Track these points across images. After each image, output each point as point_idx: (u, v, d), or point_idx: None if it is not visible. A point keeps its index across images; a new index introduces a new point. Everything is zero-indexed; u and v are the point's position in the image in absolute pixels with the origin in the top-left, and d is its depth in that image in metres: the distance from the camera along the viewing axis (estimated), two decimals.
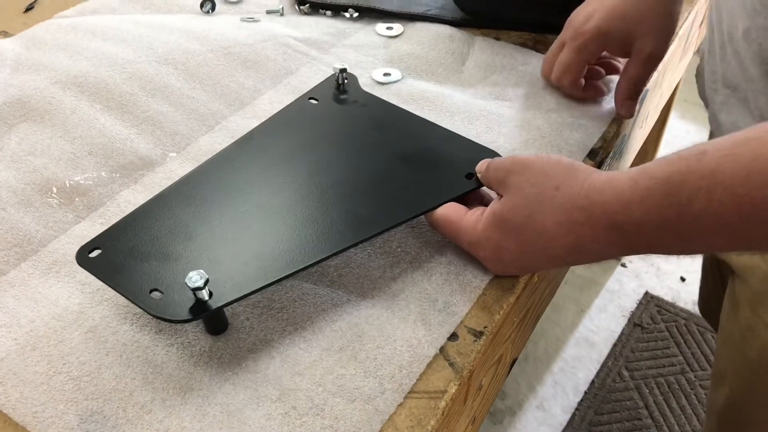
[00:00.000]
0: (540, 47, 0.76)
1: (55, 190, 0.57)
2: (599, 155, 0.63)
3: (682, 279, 1.52)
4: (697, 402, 1.27)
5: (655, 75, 0.76)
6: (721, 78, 0.58)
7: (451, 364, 0.46)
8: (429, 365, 0.46)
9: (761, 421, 0.59)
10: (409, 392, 0.44)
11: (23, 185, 0.57)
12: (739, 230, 0.39)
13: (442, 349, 0.47)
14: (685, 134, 1.89)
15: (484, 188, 0.53)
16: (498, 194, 0.50)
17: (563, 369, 1.35)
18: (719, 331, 0.61)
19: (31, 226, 0.54)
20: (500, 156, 0.56)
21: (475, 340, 0.48)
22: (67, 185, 0.57)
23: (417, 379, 0.45)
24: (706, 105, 0.66)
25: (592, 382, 1.32)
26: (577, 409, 1.28)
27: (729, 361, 0.60)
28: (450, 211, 0.51)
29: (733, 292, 0.56)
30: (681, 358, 1.35)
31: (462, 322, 0.49)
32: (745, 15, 0.52)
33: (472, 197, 0.54)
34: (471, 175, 0.54)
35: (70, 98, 0.65)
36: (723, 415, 0.64)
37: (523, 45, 0.77)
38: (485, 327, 0.49)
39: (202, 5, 0.81)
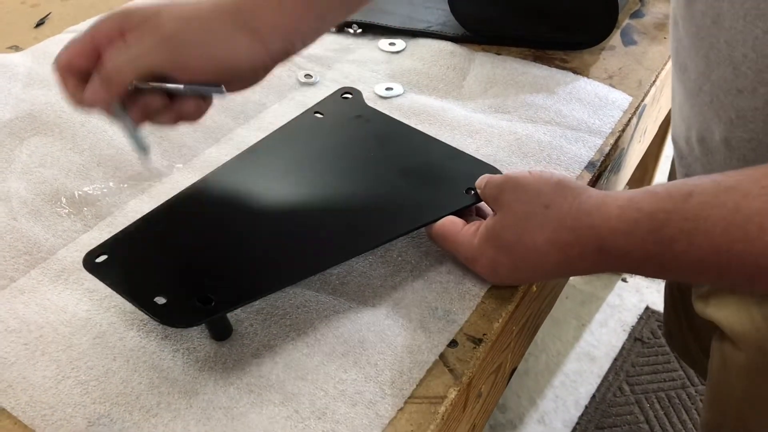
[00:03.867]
0: (540, 63, 0.78)
1: (64, 200, 0.58)
2: (597, 168, 0.65)
3: None
4: (697, 417, 1.27)
5: (652, 90, 0.77)
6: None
7: (451, 371, 0.47)
8: (429, 371, 0.47)
9: None
10: (410, 397, 0.45)
11: (33, 196, 0.58)
12: (717, 275, 0.41)
13: (441, 356, 0.48)
14: None
15: (482, 202, 0.55)
16: (493, 211, 0.51)
17: (564, 383, 1.35)
18: (708, 382, 0.58)
19: (41, 235, 0.55)
20: (499, 171, 0.57)
21: (475, 347, 0.49)
22: (76, 195, 0.59)
23: (417, 385, 0.46)
24: None
25: (593, 396, 1.32)
26: (577, 423, 1.27)
27: (723, 419, 0.58)
28: (447, 225, 0.53)
29: (722, 351, 0.54)
30: (681, 372, 1.35)
31: (461, 329, 0.50)
32: (720, 123, 0.51)
33: (469, 210, 0.56)
34: (470, 190, 0.55)
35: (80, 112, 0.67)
36: None
37: (524, 60, 0.79)
38: (484, 334, 0.50)
39: None
